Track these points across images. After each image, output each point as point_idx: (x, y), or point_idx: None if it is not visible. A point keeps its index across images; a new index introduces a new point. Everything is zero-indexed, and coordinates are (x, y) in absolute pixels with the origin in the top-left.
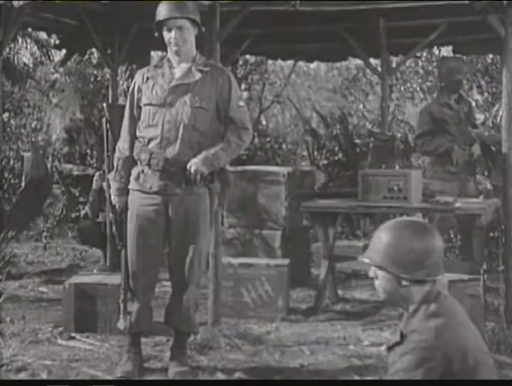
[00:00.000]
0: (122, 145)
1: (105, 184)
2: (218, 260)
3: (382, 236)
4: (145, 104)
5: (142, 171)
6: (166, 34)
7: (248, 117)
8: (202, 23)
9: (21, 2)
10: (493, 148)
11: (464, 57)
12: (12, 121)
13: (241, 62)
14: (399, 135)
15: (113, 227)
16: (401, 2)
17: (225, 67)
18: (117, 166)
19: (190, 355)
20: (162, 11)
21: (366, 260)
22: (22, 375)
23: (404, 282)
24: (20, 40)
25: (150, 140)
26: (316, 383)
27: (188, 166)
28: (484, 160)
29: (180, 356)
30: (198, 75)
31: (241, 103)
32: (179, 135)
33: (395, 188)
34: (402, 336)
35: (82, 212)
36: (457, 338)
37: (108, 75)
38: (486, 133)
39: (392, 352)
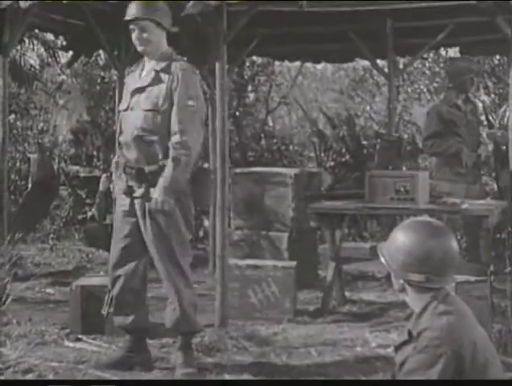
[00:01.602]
0: None
1: (111, 186)
2: (225, 261)
3: (398, 237)
4: (118, 111)
5: (120, 174)
6: (132, 34)
7: (196, 119)
8: (208, 24)
9: (28, 3)
10: (505, 148)
11: (471, 58)
12: (18, 123)
13: (247, 63)
14: (406, 136)
15: None
16: (408, 2)
17: (230, 67)
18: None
19: (197, 356)
20: (127, 11)
21: (381, 258)
22: (29, 377)
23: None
24: (27, 41)
25: (121, 144)
26: (319, 383)
27: (153, 205)
28: (493, 161)
29: (187, 358)
30: (151, 76)
31: (191, 102)
32: (134, 139)
33: (402, 189)
34: (411, 335)
35: (89, 214)
36: (468, 336)
37: (115, 77)
38: (499, 134)
39: (400, 351)
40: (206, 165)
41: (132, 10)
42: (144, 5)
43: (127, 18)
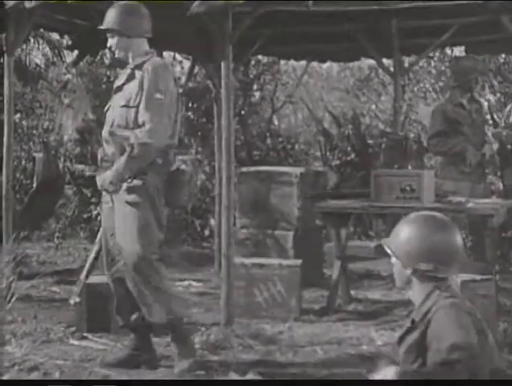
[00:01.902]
0: None
1: None
2: (231, 260)
3: (405, 230)
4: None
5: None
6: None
7: (163, 112)
8: (214, 23)
9: (33, 3)
10: (510, 147)
11: (477, 57)
12: (24, 122)
13: (253, 62)
14: (412, 135)
15: None
16: (413, 2)
17: (236, 66)
18: None
19: (202, 354)
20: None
21: (386, 249)
22: (35, 375)
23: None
24: (32, 41)
25: (103, 141)
26: (322, 383)
27: (100, 182)
28: (499, 160)
29: (181, 351)
30: (127, 74)
31: (158, 95)
32: (110, 134)
33: (408, 188)
34: (413, 322)
35: (94, 213)
36: (475, 314)
37: None
38: (504, 133)
39: (403, 342)
40: (183, 166)
41: (106, 19)
42: (115, 14)
43: (101, 27)
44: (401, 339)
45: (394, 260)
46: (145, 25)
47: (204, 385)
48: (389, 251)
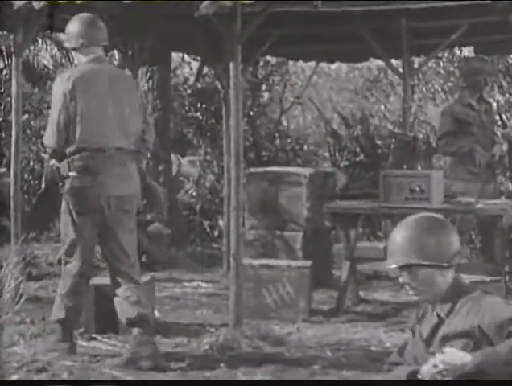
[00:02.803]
0: None
1: None
2: (239, 261)
3: (397, 237)
4: None
5: None
6: None
7: (51, 120)
8: (223, 24)
9: (41, 3)
10: None
11: (486, 57)
12: (32, 123)
13: (261, 63)
14: (421, 136)
15: None
16: (422, 2)
17: (244, 67)
18: None
19: (211, 354)
20: None
21: (393, 266)
22: (43, 376)
23: (430, 270)
24: (40, 42)
25: None
26: (325, 383)
27: None
28: (508, 160)
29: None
30: None
31: (50, 111)
32: None
33: (417, 189)
34: (440, 317)
35: None
36: None
37: None
38: None
39: (434, 337)
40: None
41: (68, 34)
42: (76, 29)
43: (66, 45)
44: (427, 342)
45: (407, 277)
46: (100, 35)
47: (208, 385)
48: (399, 264)
